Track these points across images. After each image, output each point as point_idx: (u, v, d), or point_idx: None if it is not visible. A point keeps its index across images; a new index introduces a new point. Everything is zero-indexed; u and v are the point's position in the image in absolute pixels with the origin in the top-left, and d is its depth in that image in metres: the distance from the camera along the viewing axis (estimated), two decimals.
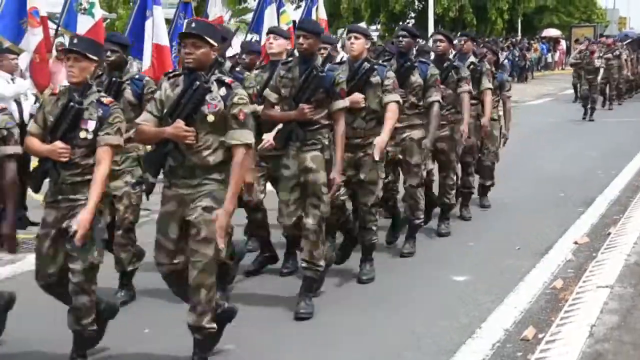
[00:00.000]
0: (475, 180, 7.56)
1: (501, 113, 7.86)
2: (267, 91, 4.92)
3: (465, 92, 6.61)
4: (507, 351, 4.13)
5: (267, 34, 5.18)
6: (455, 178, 6.86)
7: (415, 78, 5.88)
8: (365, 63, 5.20)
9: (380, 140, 5.09)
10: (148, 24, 8.16)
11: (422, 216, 6.06)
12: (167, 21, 9.36)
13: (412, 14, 34.84)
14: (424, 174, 6.04)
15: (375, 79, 5.23)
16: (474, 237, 6.68)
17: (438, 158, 6.59)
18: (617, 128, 14.42)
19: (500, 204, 7.86)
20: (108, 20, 22.48)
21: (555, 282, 5.27)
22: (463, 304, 4.90)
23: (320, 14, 10.93)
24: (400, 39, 5.99)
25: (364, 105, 5.20)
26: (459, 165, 7.16)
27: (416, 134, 5.87)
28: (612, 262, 5.47)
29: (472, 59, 7.23)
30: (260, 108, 4.98)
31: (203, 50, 3.82)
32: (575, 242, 6.32)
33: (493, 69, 7.61)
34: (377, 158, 5.11)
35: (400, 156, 5.90)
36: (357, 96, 5.15)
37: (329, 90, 4.74)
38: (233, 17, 29.57)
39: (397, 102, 5.28)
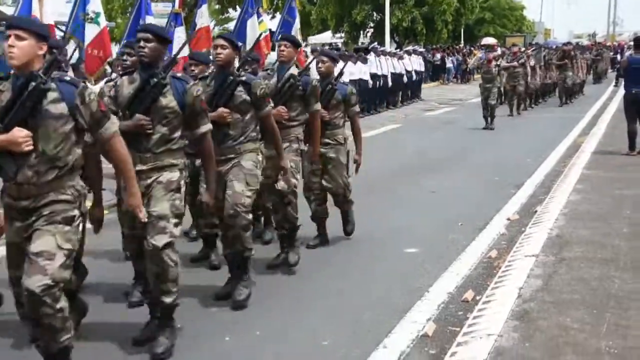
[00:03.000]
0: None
1: (349, 132, 5.59)
2: None
3: (268, 114, 4.33)
4: (451, 311, 4.19)
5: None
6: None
7: (168, 101, 3.57)
8: (33, 83, 2.91)
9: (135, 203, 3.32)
10: None
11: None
12: None
13: (372, 24, 34.80)
14: (175, 230, 3.55)
15: (55, 106, 2.94)
16: (423, 215, 6.73)
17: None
18: (543, 123, 14.57)
19: (445, 188, 7.94)
20: (108, 28, 22.12)
21: (491, 252, 5.34)
22: (414, 272, 4.95)
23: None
24: (142, 43, 3.56)
25: (28, 148, 2.92)
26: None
27: (165, 176, 3.57)
28: (537, 235, 5.55)
29: (293, 70, 4.96)
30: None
31: None
32: (508, 219, 6.41)
33: (333, 80, 5.37)
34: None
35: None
36: (17, 133, 2.91)
37: None
38: (217, 25, 29.33)
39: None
